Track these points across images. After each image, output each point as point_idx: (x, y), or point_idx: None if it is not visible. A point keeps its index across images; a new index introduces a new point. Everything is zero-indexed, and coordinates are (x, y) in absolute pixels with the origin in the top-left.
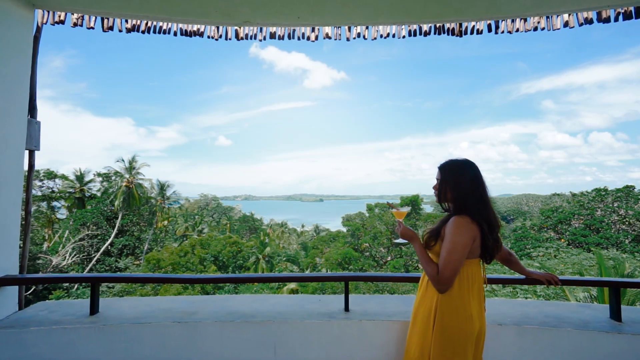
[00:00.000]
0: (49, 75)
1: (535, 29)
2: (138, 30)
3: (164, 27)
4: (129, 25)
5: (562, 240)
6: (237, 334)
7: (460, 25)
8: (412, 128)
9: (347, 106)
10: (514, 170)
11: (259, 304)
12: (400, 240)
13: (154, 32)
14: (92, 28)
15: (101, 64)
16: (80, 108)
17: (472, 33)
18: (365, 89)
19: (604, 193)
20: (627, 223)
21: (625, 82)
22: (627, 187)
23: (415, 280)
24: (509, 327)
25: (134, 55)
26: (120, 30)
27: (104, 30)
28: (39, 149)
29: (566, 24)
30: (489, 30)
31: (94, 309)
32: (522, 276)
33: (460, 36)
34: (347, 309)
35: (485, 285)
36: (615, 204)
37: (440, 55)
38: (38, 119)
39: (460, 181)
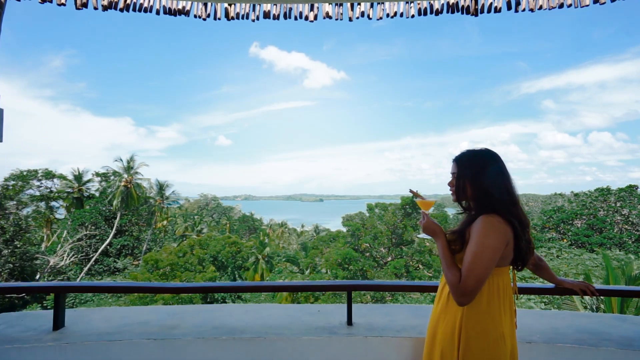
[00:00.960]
0: (49, 75)
1: (561, 5)
2: (115, 8)
3: (145, 5)
4: (105, 2)
5: (565, 240)
6: (222, 353)
7: (476, 2)
8: (412, 128)
9: (347, 106)
10: (514, 170)
11: (250, 316)
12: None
13: (134, 9)
14: (64, 4)
15: (101, 63)
16: (80, 108)
17: (489, 11)
18: (365, 88)
19: (606, 193)
20: (630, 223)
21: (626, 82)
22: (630, 186)
23: (428, 289)
24: (539, 345)
25: (134, 55)
26: (95, 8)
27: (77, 8)
28: (1, 140)
29: (596, 0)
30: (508, 7)
31: (58, 323)
32: (552, 285)
33: (476, 15)
34: (350, 322)
35: (515, 298)
36: (618, 204)
37: (440, 55)
38: (2, 106)
39: (481, 174)
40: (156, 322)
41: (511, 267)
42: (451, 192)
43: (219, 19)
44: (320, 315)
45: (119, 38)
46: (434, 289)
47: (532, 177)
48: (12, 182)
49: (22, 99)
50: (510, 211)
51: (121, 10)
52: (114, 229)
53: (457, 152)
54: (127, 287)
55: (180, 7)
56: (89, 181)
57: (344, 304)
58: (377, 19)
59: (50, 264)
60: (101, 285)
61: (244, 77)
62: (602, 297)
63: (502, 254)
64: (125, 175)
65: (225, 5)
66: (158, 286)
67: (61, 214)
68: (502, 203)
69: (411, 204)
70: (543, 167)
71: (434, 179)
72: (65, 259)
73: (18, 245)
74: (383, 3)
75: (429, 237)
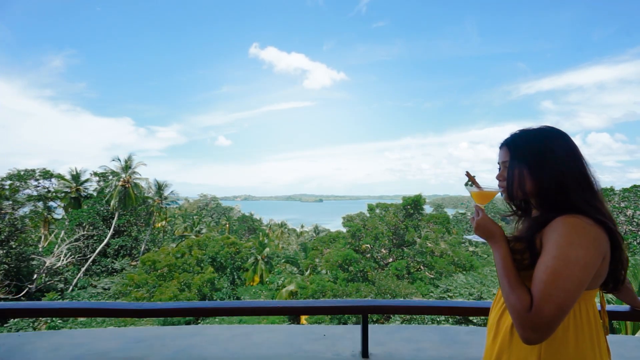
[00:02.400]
0: (49, 75)
1: None
2: None
3: None
4: None
5: None
6: None
7: None
8: (412, 128)
9: (347, 106)
10: None
11: (239, 343)
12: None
13: None
14: None
15: (101, 63)
16: (80, 108)
17: None
18: (365, 89)
19: (610, 193)
20: (635, 224)
21: (625, 83)
22: (634, 186)
23: (465, 312)
24: None
25: (134, 55)
26: None
27: None
28: None
29: None
30: None
31: None
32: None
33: None
34: (365, 353)
35: (605, 332)
36: (623, 204)
37: (440, 55)
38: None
39: (547, 159)
40: (117, 353)
41: (600, 289)
42: (500, 187)
43: None
44: (326, 342)
45: (119, 38)
46: (472, 312)
47: None
48: (9, 182)
49: (22, 99)
50: (597, 209)
51: None
52: (111, 229)
53: (505, 137)
54: (76, 310)
55: None
56: (86, 181)
57: (357, 324)
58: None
59: (46, 265)
60: (46, 307)
61: (243, 77)
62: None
63: (597, 272)
64: (123, 175)
65: None
66: (110, 308)
67: (59, 214)
68: (583, 198)
69: (412, 205)
70: None
71: (433, 179)
72: (62, 260)
73: (13, 246)
74: None
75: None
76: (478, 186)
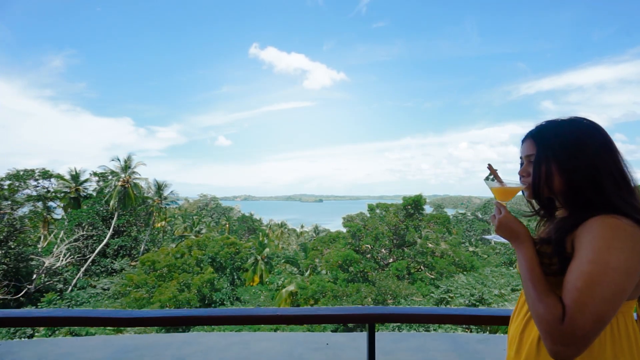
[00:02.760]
0: (49, 75)
1: None
2: None
3: None
4: None
5: None
6: None
7: None
8: (412, 128)
9: (347, 106)
10: (513, 170)
11: (235, 353)
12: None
13: None
14: None
15: (101, 63)
16: (80, 108)
17: None
18: (365, 89)
19: None
20: None
21: (625, 83)
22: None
23: (481, 321)
24: None
25: (134, 55)
26: None
27: None
28: None
29: None
30: None
31: None
32: None
33: None
34: None
35: None
36: None
37: (440, 55)
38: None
39: (579, 153)
40: None
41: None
42: (524, 184)
43: None
44: (329, 352)
45: (119, 38)
46: (492, 321)
47: None
48: (8, 182)
49: (22, 99)
50: (636, 208)
51: None
52: (111, 229)
53: (531, 129)
54: (50, 319)
55: None
56: (86, 181)
57: (363, 332)
58: None
59: (45, 265)
60: (26, 316)
61: (243, 77)
62: None
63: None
64: (123, 175)
65: None
66: (94, 316)
67: (58, 214)
68: (620, 196)
69: (412, 205)
70: None
71: (433, 179)
72: (62, 260)
73: (12, 246)
74: None
75: (503, 241)
76: (500, 181)
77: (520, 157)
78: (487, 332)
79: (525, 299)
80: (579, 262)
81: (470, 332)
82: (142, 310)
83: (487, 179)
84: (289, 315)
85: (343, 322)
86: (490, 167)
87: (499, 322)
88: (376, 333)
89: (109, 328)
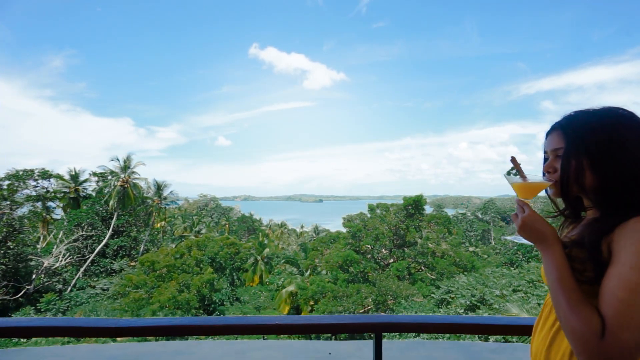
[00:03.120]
0: (49, 75)
1: None
2: None
3: None
4: None
5: None
6: None
7: None
8: (412, 128)
9: (347, 106)
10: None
11: None
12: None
13: None
14: None
15: (101, 63)
16: (80, 108)
17: None
18: (365, 89)
19: None
20: None
21: (624, 83)
22: None
23: (505, 330)
24: None
25: (134, 55)
26: None
27: None
28: None
29: None
30: None
31: None
32: None
33: None
34: None
35: None
36: None
37: (440, 55)
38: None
39: (617, 149)
40: None
41: None
42: (549, 180)
43: None
44: None
45: (119, 38)
46: (506, 330)
47: None
48: (7, 182)
49: (22, 99)
50: None
51: None
52: (110, 229)
53: (558, 120)
54: (28, 329)
55: None
56: (85, 181)
57: (369, 339)
58: None
59: (44, 265)
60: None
61: (243, 77)
62: None
63: None
64: (122, 175)
65: None
66: (78, 326)
67: (58, 214)
68: None
69: (413, 205)
70: (542, 168)
71: (433, 179)
72: (61, 260)
73: (11, 247)
74: None
75: (527, 243)
76: (523, 176)
77: (545, 152)
78: (502, 340)
79: (555, 309)
80: (620, 269)
81: (486, 340)
82: (129, 319)
83: (508, 173)
84: (288, 325)
85: (348, 331)
86: (514, 160)
87: (517, 332)
88: (383, 340)
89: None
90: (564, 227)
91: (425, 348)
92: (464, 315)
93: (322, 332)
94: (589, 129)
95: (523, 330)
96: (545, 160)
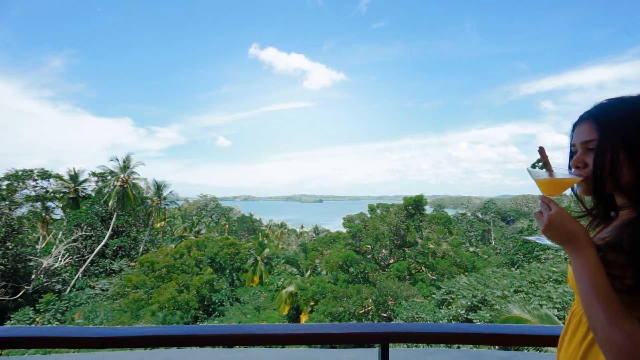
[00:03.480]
0: (49, 75)
1: None
2: None
3: None
4: None
5: None
6: None
7: None
8: (411, 128)
9: (347, 106)
10: (513, 170)
11: None
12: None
13: None
14: None
15: (101, 63)
16: (80, 108)
17: None
18: (365, 89)
19: None
20: None
21: (624, 83)
22: None
23: (525, 341)
24: None
25: (134, 55)
26: None
27: None
28: None
29: None
30: None
31: None
32: None
33: None
34: None
35: None
36: None
37: (440, 55)
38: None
39: None
40: None
41: None
42: (578, 175)
43: None
44: None
45: (119, 38)
46: (524, 340)
47: (532, 178)
48: (7, 182)
49: (22, 99)
50: None
51: None
52: (110, 229)
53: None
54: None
55: None
56: (85, 181)
57: (375, 347)
58: None
59: (44, 266)
60: None
61: (243, 77)
62: None
63: None
64: (122, 175)
65: None
66: (56, 336)
67: (57, 214)
68: None
69: (413, 205)
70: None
71: (433, 180)
72: (60, 261)
73: (10, 247)
74: None
75: (553, 244)
76: (551, 170)
77: (572, 145)
78: (515, 348)
79: (588, 320)
80: None
81: (496, 348)
82: (114, 329)
83: (533, 166)
84: (288, 335)
85: (352, 342)
86: (542, 151)
87: (537, 343)
88: (390, 348)
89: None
90: (590, 229)
91: (435, 357)
92: (477, 323)
93: (324, 343)
94: (626, 119)
95: (543, 341)
96: (573, 154)
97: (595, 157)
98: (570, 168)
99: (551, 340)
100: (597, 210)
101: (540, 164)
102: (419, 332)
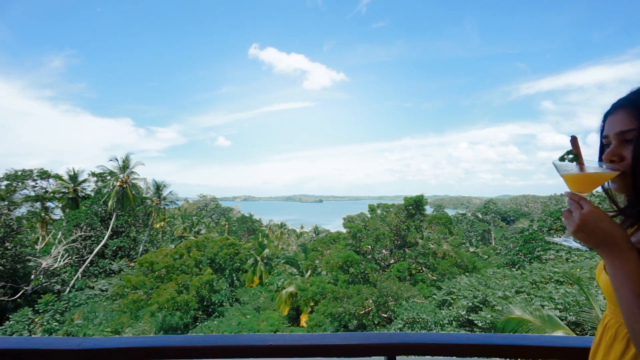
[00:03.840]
0: (49, 75)
1: None
2: None
3: None
4: None
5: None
6: None
7: None
8: (411, 128)
9: (347, 106)
10: (513, 170)
11: None
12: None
13: None
14: None
15: (101, 63)
16: (80, 108)
17: None
18: (365, 89)
19: None
20: None
21: (624, 83)
22: None
23: (539, 354)
24: None
25: (134, 55)
26: None
27: None
28: None
29: None
30: None
31: None
32: None
33: None
34: None
35: None
36: None
37: (440, 55)
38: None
39: None
40: None
41: None
42: (614, 169)
43: None
44: None
45: (119, 38)
46: (548, 353)
47: (532, 178)
48: (6, 182)
49: (22, 99)
50: None
51: None
52: (109, 229)
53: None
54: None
55: None
56: (84, 181)
57: (381, 357)
58: None
59: (43, 266)
60: None
61: (243, 77)
62: None
63: None
64: (121, 175)
65: None
66: (38, 348)
67: (57, 214)
68: None
69: (414, 205)
70: (542, 168)
71: (433, 180)
72: (60, 261)
73: (9, 247)
74: None
75: (579, 246)
76: (582, 163)
77: (605, 136)
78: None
79: (632, 333)
80: None
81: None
82: (97, 339)
83: (562, 159)
84: (286, 346)
85: (356, 355)
86: (574, 141)
87: (563, 356)
88: (397, 357)
89: None
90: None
91: None
92: (493, 334)
93: (326, 355)
94: None
95: (566, 354)
96: (605, 146)
97: (635, 149)
98: (600, 162)
99: (578, 353)
100: (631, 209)
101: (570, 156)
102: (427, 344)
